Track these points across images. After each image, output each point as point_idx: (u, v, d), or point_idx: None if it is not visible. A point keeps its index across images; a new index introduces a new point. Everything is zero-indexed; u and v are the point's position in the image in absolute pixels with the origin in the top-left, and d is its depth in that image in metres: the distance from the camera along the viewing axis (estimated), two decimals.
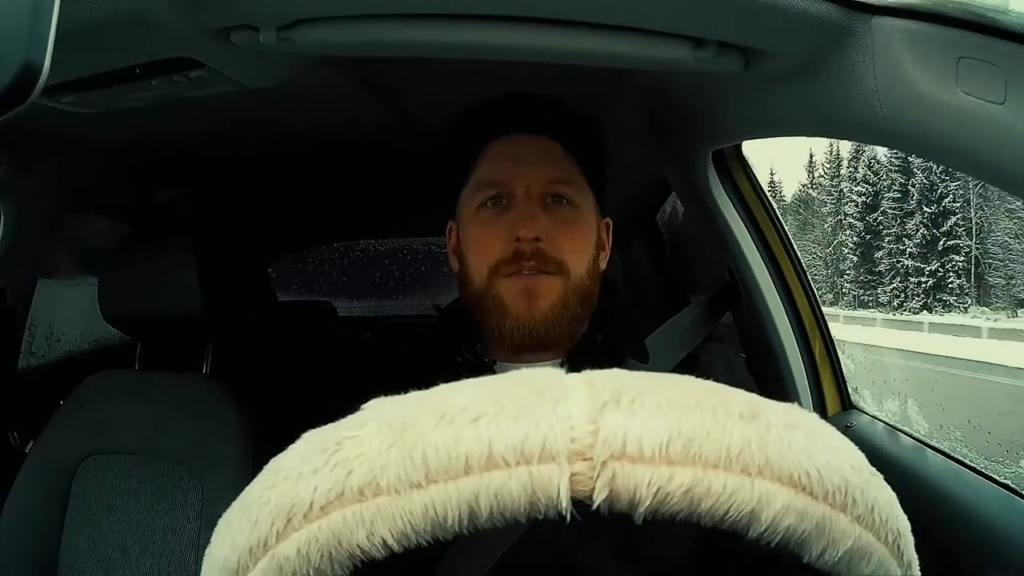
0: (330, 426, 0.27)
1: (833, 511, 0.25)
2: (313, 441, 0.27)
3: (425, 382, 0.28)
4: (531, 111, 0.76)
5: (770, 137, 0.90)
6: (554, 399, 0.25)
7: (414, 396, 0.27)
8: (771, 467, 0.25)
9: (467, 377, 0.28)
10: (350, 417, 0.27)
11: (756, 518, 0.25)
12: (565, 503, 0.24)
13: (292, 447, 0.27)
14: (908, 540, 0.28)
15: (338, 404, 0.30)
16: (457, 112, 0.79)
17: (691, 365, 0.82)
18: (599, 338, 0.76)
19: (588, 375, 0.27)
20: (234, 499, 0.27)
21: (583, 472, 0.24)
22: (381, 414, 0.26)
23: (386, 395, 0.28)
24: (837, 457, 0.26)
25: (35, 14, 0.29)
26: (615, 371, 0.27)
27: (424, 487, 0.24)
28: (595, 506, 0.24)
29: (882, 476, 0.28)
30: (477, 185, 0.74)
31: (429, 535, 0.25)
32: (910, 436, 0.96)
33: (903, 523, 0.28)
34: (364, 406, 0.27)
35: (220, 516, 0.27)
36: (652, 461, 0.24)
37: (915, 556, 0.28)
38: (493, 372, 0.72)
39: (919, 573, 0.28)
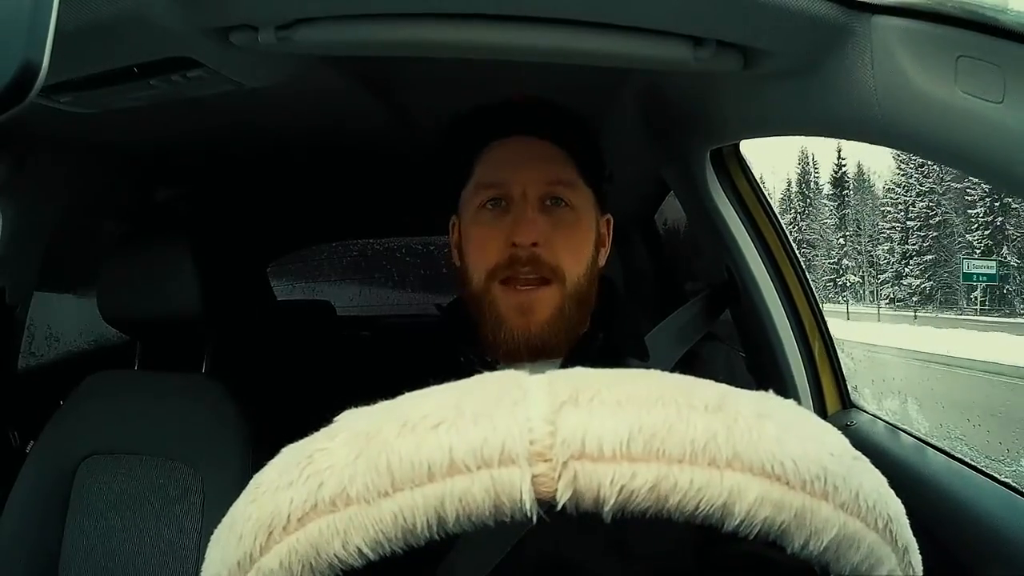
0: (305, 439, 0.27)
1: (813, 500, 0.25)
2: (288, 455, 0.27)
3: (427, 382, 0.28)
4: (529, 114, 0.77)
5: (769, 136, 0.90)
6: (512, 401, 0.25)
7: (382, 405, 0.27)
8: (741, 458, 0.24)
9: (472, 375, 0.28)
10: (323, 429, 0.27)
11: (729, 511, 0.24)
12: (529, 505, 0.24)
13: (272, 461, 0.27)
14: (902, 524, 0.27)
15: (337, 404, 0.30)
16: (457, 115, 0.79)
17: (691, 362, 0.82)
18: (600, 336, 0.76)
19: (550, 375, 0.27)
20: (235, 498, 0.27)
21: (545, 473, 0.24)
22: (351, 424, 0.27)
23: (388, 396, 0.28)
24: (814, 444, 0.26)
25: (33, 14, 0.29)
26: (577, 370, 0.27)
27: (391, 495, 0.24)
28: (559, 507, 0.24)
29: (868, 460, 0.27)
30: (476, 186, 0.75)
31: (401, 542, 0.25)
32: (910, 435, 0.96)
33: (895, 507, 0.27)
34: (336, 418, 0.28)
35: (221, 515, 0.27)
36: (613, 459, 0.24)
37: (912, 540, 0.27)
38: (494, 370, 0.72)
39: (918, 557, 0.28)
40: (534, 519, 0.24)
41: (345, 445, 0.26)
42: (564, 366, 0.72)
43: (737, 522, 0.24)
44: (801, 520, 0.25)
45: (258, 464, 0.27)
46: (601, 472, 0.24)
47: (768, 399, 0.27)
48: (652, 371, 0.28)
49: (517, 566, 0.62)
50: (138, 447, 1.05)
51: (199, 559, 0.28)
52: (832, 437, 0.27)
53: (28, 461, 1.05)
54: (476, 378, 0.28)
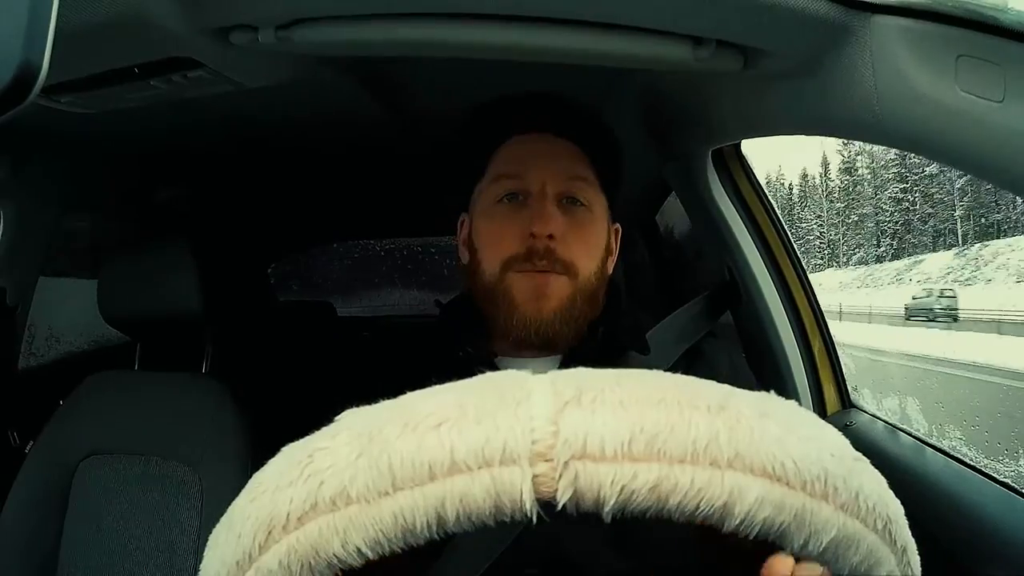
0: (305, 439, 0.27)
1: (813, 500, 0.25)
2: (289, 454, 0.27)
3: (426, 378, 0.28)
4: (552, 111, 0.77)
5: (769, 136, 0.90)
6: (515, 401, 0.25)
7: (384, 404, 0.27)
8: (742, 459, 0.24)
9: (472, 371, 0.28)
10: (324, 428, 0.27)
11: (729, 512, 0.24)
12: (529, 505, 0.24)
13: (271, 461, 0.27)
14: (901, 525, 0.27)
15: (337, 403, 0.30)
16: (478, 106, 0.79)
17: (694, 358, 0.82)
18: (600, 330, 0.76)
19: (553, 375, 0.27)
20: (234, 498, 0.27)
21: (546, 473, 0.24)
22: (352, 424, 0.27)
23: (390, 395, 0.28)
24: (815, 445, 0.26)
25: (33, 14, 0.29)
26: (580, 370, 0.27)
27: (392, 495, 0.24)
28: (560, 507, 0.24)
29: (868, 461, 0.27)
30: (494, 180, 0.75)
31: (401, 542, 0.25)
32: (910, 435, 0.96)
33: (894, 508, 0.27)
34: (338, 417, 0.27)
35: (220, 515, 0.27)
36: (615, 459, 0.24)
37: (911, 541, 0.27)
38: (494, 366, 0.72)
39: (917, 558, 0.28)
40: (534, 519, 0.24)
41: (346, 444, 0.25)
42: (566, 359, 0.73)
43: (737, 522, 0.24)
44: (801, 520, 0.25)
45: (257, 464, 0.27)
46: (602, 472, 0.24)
47: (770, 399, 0.27)
48: (655, 371, 0.28)
49: (513, 557, 0.62)
50: (138, 447, 1.05)
51: (197, 559, 0.28)
52: (833, 438, 0.27)
53: (28, 461, 1.05)
54: (479, 377, 0.27)
